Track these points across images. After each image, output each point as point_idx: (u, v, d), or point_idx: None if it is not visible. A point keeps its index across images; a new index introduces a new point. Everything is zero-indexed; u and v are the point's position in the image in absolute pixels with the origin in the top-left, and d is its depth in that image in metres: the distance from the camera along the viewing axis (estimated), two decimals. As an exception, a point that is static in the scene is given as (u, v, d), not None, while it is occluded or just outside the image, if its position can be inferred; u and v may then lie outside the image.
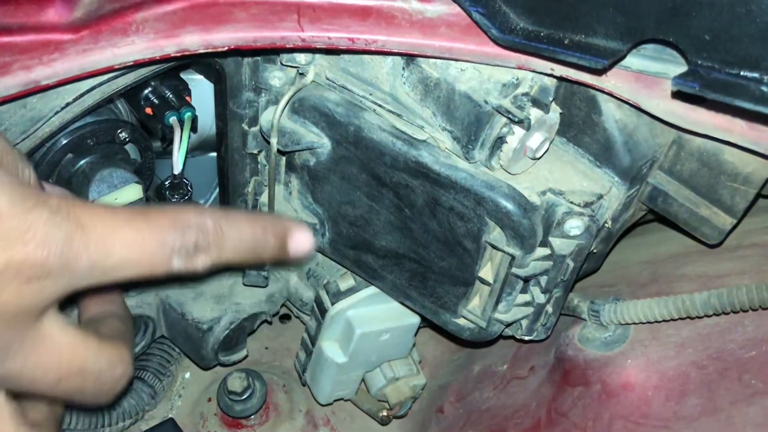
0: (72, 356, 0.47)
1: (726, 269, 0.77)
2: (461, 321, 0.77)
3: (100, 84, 0.67)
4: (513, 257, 0.67)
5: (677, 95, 0.57)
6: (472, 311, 0.75)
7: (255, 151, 0.84)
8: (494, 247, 0.67)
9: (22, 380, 0.46)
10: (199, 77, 0.89)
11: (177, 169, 0.76)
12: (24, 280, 0.41)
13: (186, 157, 0.99)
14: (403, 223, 0.73)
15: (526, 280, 0.70)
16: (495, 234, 0.67)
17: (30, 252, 0.40)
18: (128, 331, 0.58)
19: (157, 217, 0.47)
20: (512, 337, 0.81)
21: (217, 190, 0.95)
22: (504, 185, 0.65)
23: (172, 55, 0.62)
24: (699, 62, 0.50)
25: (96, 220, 0.44)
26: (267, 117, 0.75)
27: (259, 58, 0.76)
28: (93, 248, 0.43)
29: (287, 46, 0.63)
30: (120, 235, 0.45)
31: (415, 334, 0.94)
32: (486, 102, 0.63)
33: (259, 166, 0.86)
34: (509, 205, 0.64)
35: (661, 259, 0.86)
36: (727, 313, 0.68)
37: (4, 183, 0.41)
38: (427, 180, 0.68)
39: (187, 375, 1.08)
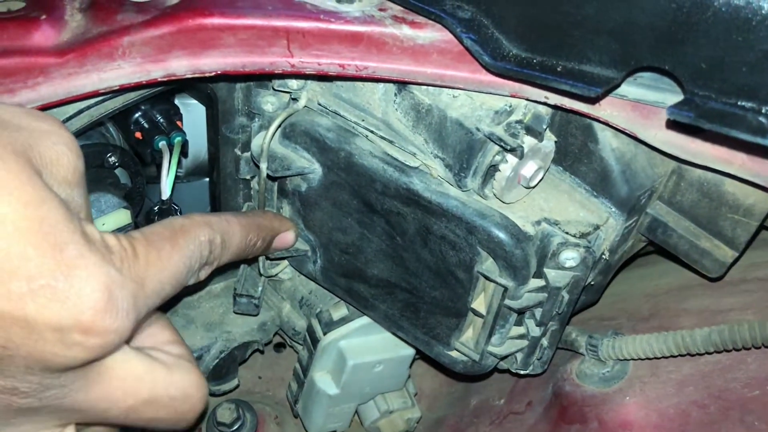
0: (138, 386, 0.47)
1: (729, 304, 0.75)
2: (454, 353, 0.75)
3: (88, 107, 0.66)
4: (506, 288, 0.65)
5: (674, 125, 0.55)
6: (465, 343, 0.72)
7: (248, 177, 0.82)
8: (486, 277, 0.65)
9: (90, 412, 0.47)
10: (195, 102, 0.88)
11: (165, 194, 0.75)
12: (92, 338, 0.42)
13: (182, 182, 0.99)
14: (395, 251, 0.72)
15: (520, 312, 0.68)
16: (487, 264, 0.65)
17: (99, 314, 0.41)
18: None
19: (185, 244, 0.51)
20: (508, 371, 0.78)
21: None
22: (497, 214, 0.64)
23: (159, 79, 0.61)
24: (695, 91, 0.48)
25: (152, 271, 0.46)
26: (258, 142, 0.73)
27: (251, 83, 0.75)
28: (150, 299, 0.46)
29: (276, 71, 0.62)
30: (167, 277, 0.48)
31: (410, 366, 0.92)
32: (478, 129, 0.61)
33: (252, 192, 0.85)
34: (501, 235, 0.62)
35: (663, 293, 0.83)
36: (729, 351, 0.65)
37: (75, 232, 0.41)
38: (418, 207, 0.66)
39: (178, 404, 1.05)
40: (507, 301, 0.66)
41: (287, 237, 0.72)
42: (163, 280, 0.47)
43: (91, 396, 0.46)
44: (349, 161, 0.69)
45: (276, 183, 0.78)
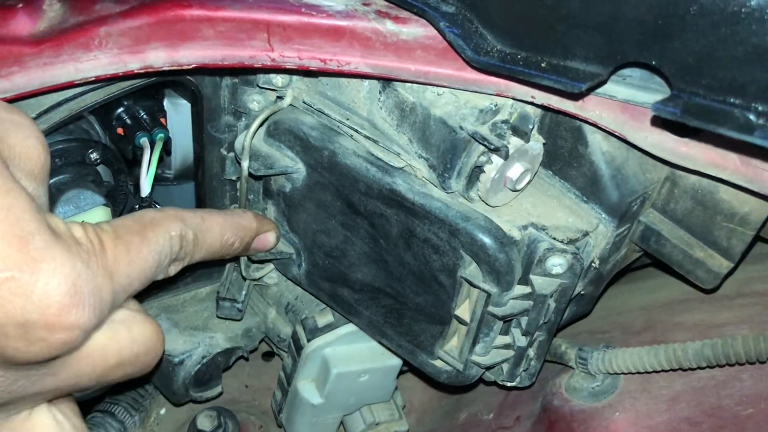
0: (105, 356, 0.46)
1: (724, 318, 0.72)
2: (438, 363, 0.72)
3: (67, 100, 0.65)
4: (489, 294, 0.62)
5: (660, 123, 0.53)
6: (448, 352, 0.70)
7: (233, 178, 0.81)
8: (470, 282, 0.63)
9: (60, 390, 0.46)
10: (185, 102, 0.87)
11: (144, 191, 0.73)
12: (57, 334, 0.40)
13: (171, 184, 0.97)
14: (379, 254, 0.69)
15: (504, 319, 0.65)
16: (471, 269, 0.63)
17: (65, 308, 0.40)
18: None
19: (154, 238, 0.50)
20: (495, 383, 0.76)
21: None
22: (480, 217, 0.61)
23: (137, 71, 0.60)
24: (682, 87, 0.46)
25: (120, 265, 0.45)
26: (240, 140, 0.72)
27: (237, 81, 0.73)
28: (118, 294, 0.45)
29: (256, 65, 0.61)
30: (135, 272, 0.46)
31: (397, 377, 0.89)
32: (461, 128, 0.59)
33: (237, 193, 0.83)
34: (485, 238, 0.60)
35: (658, 306, 0.81)
36: (722, 366, 0.63)
37: (42, 223, 0.40)
38: (401, 209, 0.64)
39: (163, 411, 1.03)
40: (490, 308, 0.64)
41: (267, 238, 0.70)
42: (131, 274, 0.46)
43: (60, 378, 0.44)
44: (332, 160, 0.67)
45: (261, 183, 0.76)
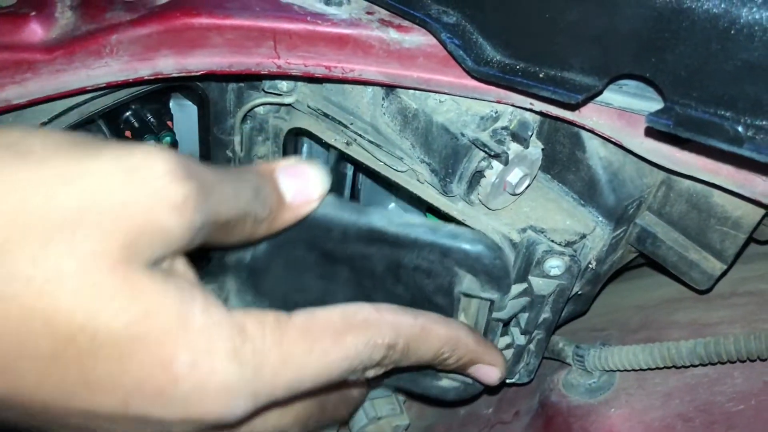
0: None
1: (718, 317, 0.74)
2: (444, 382, 0.72)
3: (78, 105, 0.67)
4: (492, 302, 0.64)
5: (655, 134, 0.55)
6: (454, 368, 0.71)
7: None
8: (469, 296, 0.63)
9: None
10: (190, 103, 0.89)
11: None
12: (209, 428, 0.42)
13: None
14: (365, 295, 0.66)
15: (508, 322, 0.67)
16: (466, 282, 0.63)
17: (208, 413, 0.40)
18: None
19: (353, 343, 0.46)
20: (494, 380, 0.78)
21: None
22: (467, 231, 0.61)
23: (147, 78, 0.62)
24: (675, 99, 0.48)
25: (290, 367, 0.43)
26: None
27: (243, 85, 0.75)
28: (279, 393, 0.43)
29: (263, 72, 0.62)
30: (310, 375, 0.44)
31: (399, 372, 0.91)
32: (463, 135, 0.61)
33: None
34: (478, 250, 0.60)
35: (653, 305, 0.82)
36: (714, 364, 0.64)
37: (189, 333, 0.40)
38: (384, 244, 0.62)
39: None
40: (494, 314, 0.65)
41: (489, 374, 0.62)
42: (303, 377, 0.44)
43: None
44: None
45: (216, 259, 0.68)
